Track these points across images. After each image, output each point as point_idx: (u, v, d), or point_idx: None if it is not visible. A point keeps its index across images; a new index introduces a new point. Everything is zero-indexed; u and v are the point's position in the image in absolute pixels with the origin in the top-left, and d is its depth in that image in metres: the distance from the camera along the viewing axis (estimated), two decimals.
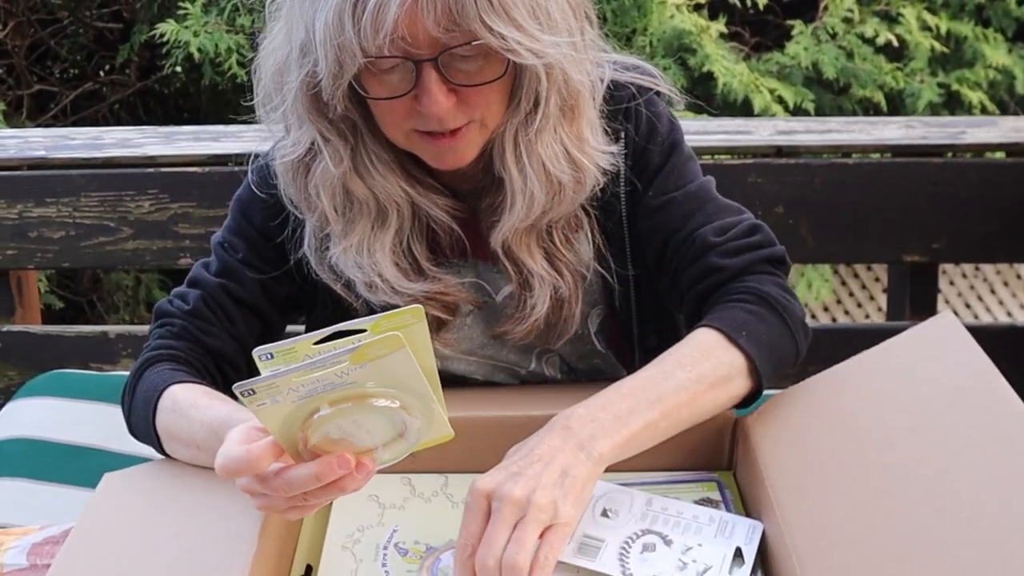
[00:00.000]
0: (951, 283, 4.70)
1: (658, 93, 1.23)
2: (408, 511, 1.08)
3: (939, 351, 1.07)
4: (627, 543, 0.98)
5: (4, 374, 2.09)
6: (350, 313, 1.20)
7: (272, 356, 0.88)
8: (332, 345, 0.89)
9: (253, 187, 1.24)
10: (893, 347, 1.11)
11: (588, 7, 1.13)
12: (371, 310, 1.21)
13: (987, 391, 0.99)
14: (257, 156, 1.27)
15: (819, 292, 3.68)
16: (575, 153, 1.14)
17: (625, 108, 1.20)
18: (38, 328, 2.13)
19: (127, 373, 1.83)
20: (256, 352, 0.89)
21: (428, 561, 1.00)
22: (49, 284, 3.51)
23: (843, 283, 4.63)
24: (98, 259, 2.06)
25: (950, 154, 2.09)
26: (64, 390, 1.75)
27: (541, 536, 0.91)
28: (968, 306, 4.70)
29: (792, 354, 1.13)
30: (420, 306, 0.89)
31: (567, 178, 1.14)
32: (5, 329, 2.11)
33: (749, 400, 1.10)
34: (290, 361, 0.88)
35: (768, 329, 1.10)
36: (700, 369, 1.04)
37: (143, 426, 1.13)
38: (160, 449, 1.13)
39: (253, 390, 0.84)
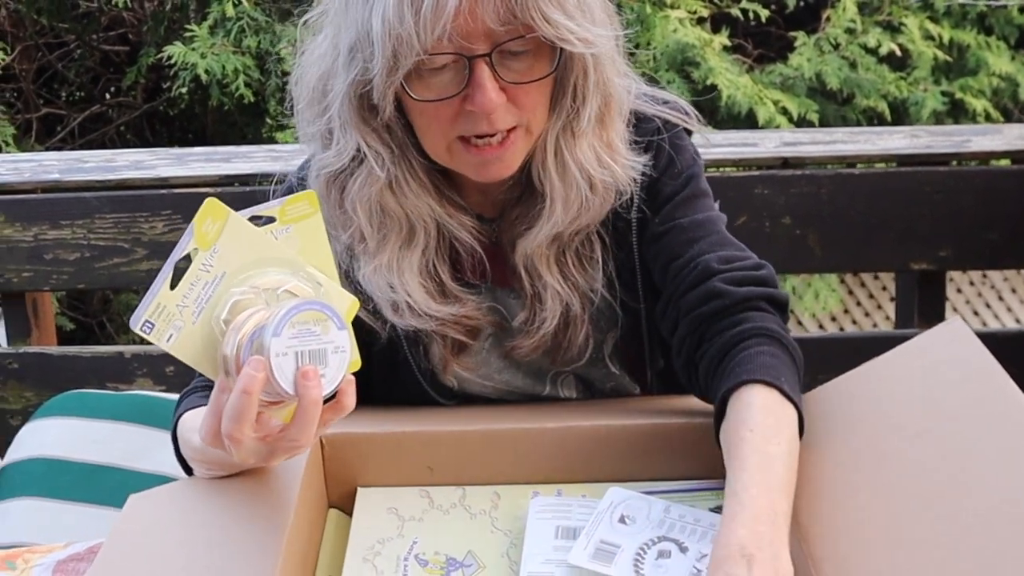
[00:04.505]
0: (959, 291, 4.71)
1: (688, 131, 1.25)
2: (427, 523, 1.09)
3: (949, 356, 1.08)
4: (643, 549, 0.99)
5: (21, 395, 2.10)
6: (371, 336, 1.23)
7: (152, 324, 0.92)
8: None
9: None
10: (903, 353, 1.11)
11: (615, 19, 1.16)
12: (392, 339, 1.24)
13: (998, 395, 1.00)
14: (282, 179, 1.29)
15: (826, 302, 3.69)
16: (607, 160, 1.16)
17: (648, 141, 1.21)
18: (54, 349, 2.15)
19: (143, 392, 1.85)
20: (135, 327, 0.91)
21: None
22: (60, 306, 3.54)
23: (850, 292, 4.64)
24: (113, 280, 2.07)
25: (955, 162, 2.11)
26: (82, 410, 1.76)
27: None
28: (976, 313, 4.71)
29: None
30: (314, 193, 0.97)
31: (600, 184, 1.16)
32: (22, 350, 2.12)
33: None
34: (170, 316, 0.92)
35: (791, 372, 1.08)
36: (783, 437, 1.00)
37: (176, 453, 1.16)
38: (188, 472, 1.15)
39: (150, 322, 0.90)
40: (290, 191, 1.26)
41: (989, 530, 0.87)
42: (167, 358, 2.06)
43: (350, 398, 0.97)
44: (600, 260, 1.22)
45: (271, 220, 0.97)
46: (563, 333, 1.23)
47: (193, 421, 1.11)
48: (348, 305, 0.98)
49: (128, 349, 2.11)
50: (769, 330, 1.10)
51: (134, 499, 1.08)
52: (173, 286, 0.92)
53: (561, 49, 1.08)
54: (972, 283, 4.71)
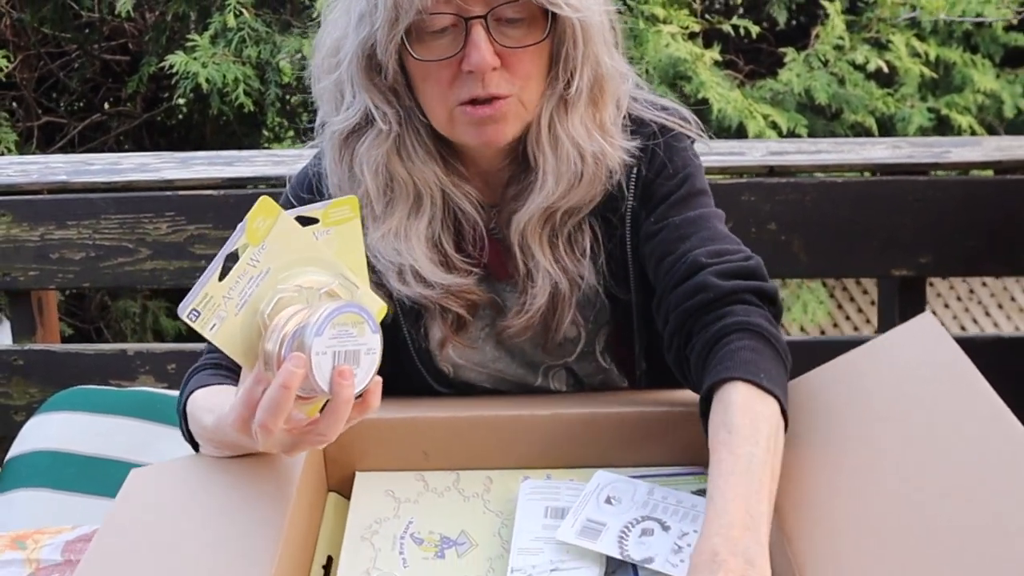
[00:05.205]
0: (946, 306, 4.75)
1: (688, 137, 1.30)
2: (422, 504, 1.13)
3: (920, 351, 1.11)
4: (627, 527, 1.03)
5: (26, 391, 2.13)
6: None
7: (198, 312, 0.95)
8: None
9: (290, 196, 1.33)
10: (875, 348, 1.14)
11: (612, 11, 1.25)
12: (394, 317, 1.28)
13: (966, 387, 1.03)
14: (290, 178, 1.35)
15: (814, 314, 3.73)
16: (597, 137, 1.23)
17: (644, 145, 1.26)
18: (58, 347, 2.18)
19: (146, 389, 1.88)
20: (183, 314, 0.95)
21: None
22: (58, 311, 3.55)
23: (840, 307, 4.68)
24: (117, 279, 2.12)
25: (936, 172, 2.15)
26: (86, 405, 1.79)
27: None
28: (963, 328, 4.75)
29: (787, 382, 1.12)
30: (356, 198, 1.02)
31: (591, 160, 1.22)
32: (27, 347, 2.16)
33: None
34: (215, 306, 0.95)
35: (773, 365, 1.09)
36: (761, 436, 1.01)
37: (183, 428, 1.19)
38: (196, 449, 1.18)
39: (196, 310, 0.93)
40: (305, 179, 1.32)
41: (965, 518, 0.90)
42: (169, 356, 2.10)
43: (376, 398, 1.01)
44: (590, 250, 1.27)
45: (314, 221, 1.00)
46: (551, 316, 1.27)
47: (205, 400, 1.15)
48: (378, 309, 1.03)
49: (131, 347, 2.14)
50: (752, 324, 1.11)
51: (136, 473, 1.10)
52: (221, 278, 0.95)
53: (553, 16, 1.16)
54: (960, 299, 4.76)
